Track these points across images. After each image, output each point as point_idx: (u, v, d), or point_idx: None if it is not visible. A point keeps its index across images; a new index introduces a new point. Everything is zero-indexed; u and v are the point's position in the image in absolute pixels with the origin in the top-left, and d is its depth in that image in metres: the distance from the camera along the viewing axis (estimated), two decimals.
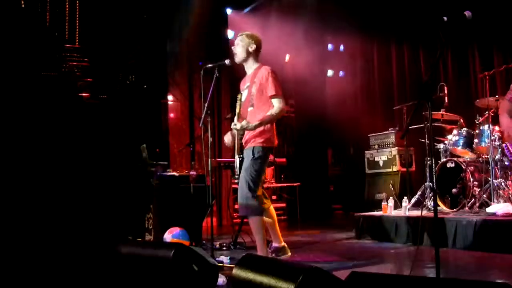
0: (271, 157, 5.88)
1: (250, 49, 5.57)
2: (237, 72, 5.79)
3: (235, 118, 5.41)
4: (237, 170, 5.52)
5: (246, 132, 5.44)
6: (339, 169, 14.49)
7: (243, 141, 5.49)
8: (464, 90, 10.42)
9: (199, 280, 3.76)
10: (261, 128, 5.30)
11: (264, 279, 2.79)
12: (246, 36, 5.61)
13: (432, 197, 7.40)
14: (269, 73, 5.39)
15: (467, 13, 3.76)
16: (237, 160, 5.51)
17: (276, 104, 5.32)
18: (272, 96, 5.33)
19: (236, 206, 10.26)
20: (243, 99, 5.57)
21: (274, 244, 5.56)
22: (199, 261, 3.80)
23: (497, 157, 6.91)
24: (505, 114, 5.11)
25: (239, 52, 5.61)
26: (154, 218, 7.28)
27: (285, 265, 2.98)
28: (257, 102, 5.42)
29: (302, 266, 2.77)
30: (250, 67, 5.63)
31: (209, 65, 5.81)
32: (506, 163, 6.87)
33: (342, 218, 12.32)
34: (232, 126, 5.37)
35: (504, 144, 5.19)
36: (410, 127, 7.98)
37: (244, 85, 5.67)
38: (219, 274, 4.31)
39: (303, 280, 2.58)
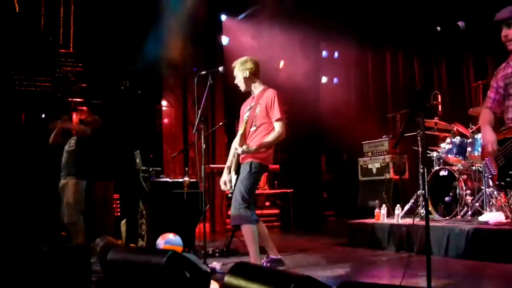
0: None
1: (246, 75, 5.62)
2: (232, 80, 5.81)
3: (238, 139, 5.46)
4: (232, 185, 5.55)
5: None
6: (333, 176, 14.50)
7: (241, 156, 5.51)
8: (458, 99, 10.46)
9: (191, 286, 3.76)
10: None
11: (256, 287, 2.79)
12: (239, 65, 5.68)
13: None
14: (275, 96, 5.46)
15: (461, 24, 3.77)
16: (233, 177, 5.55)
17: (277, 128, 5.40)
18: (277, 120, 5.39)
19: (229, 212, 10.28)
20: (244, 116, 5.64)
21: (271, 256, 5.58)
22: (192, 268, 3.80)
23: None
24: (487, 126, 4.67)
25: (240, 84, 5.72)
26: (147, 224, 7.28)
27: (277, 274, 2.98)
28: (260, 123, 5.49)
29: (293, 275, 2.77)
30: (256, 89, 5.71)
31: (203, 72, 5.83)
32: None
33: (335, 224, 12.32)
34: (235, 151, 5.49)
35: (484, 161, 4.87)
36: (403, 135, 8.04)
37: (248, 106, 5.72)
38: (212, 281, 4.31)
39: None
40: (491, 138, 4.41)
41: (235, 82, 5.74)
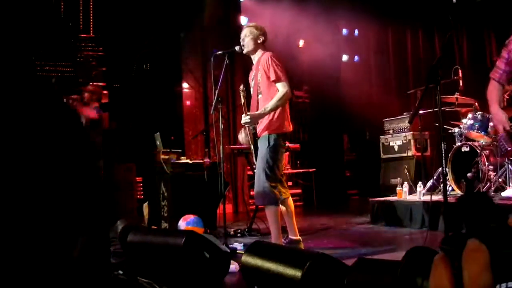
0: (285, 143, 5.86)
1: (259, 41, 5.52)
2: (250, 59, 5.76)
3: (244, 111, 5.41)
4: (255, 160, 5.51)
5: (258, 121, 5.41)
6: (355, 155, 14.44)
7: (257, 130, 5.45)
8: (479, 73, 10.33)
9: (210, 267, 3.77)
10: (271, 116, 5.28)
11: (272, 266, 2.79)
12: (255, 28, 5.56)
13: (447, 182, 7.34)
14: (269, 58, 5.32)
15: None
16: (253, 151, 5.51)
17: (280, 89, 5.25)
18: (275, 81, 5.27)
19: (251, 193, 10.29)
20: (251, 88, 5.57)
21: (290, 236, 5.52)
22: (211, 249, 3.81)
23: None
24: (496, 105, 4.43)
25: (249, 44, 5.55)
26: (169, 206, 7.32)
27: (293, 252, 2.98)
28: (264, 89, 5.36)
29: (309, 253, 2.77)
30: (257, 56, 5.59)
31: (219, 52, 5.80)
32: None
33: (358, 203, 12.27)
34: (243, 122, 5.35)
35: (498, 137, 4.59)
36: (425, 111, 7.98)
37: (252, 74, 5.64)
38: (232, 261, 4.32)
39: (310, 267, 2.58)
40: (501, 118, 4.27)
41: (242, 41, 5.60)
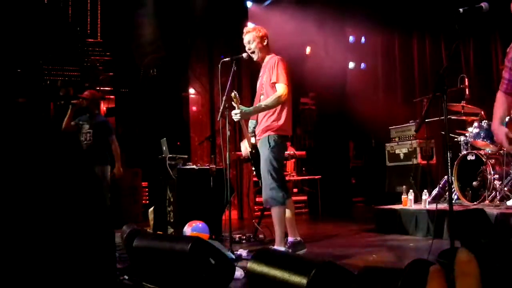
0: (291, 150, 5.87)
1: (264, 43, 5.58)
2: (257, 66, 5.81)
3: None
4: (253, 168, 5.54)
5: (258, 123, 5.45)
6: (361, 162, 14.43)
7: (256, 132, 5.49)
8: (486, 82, 10.33)
9: (216, 273, 3.77)
10: (272, 117, 5.32)
11: (278, 273, 2.80)
12: (256, 31, 5.61)
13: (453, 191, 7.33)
14: (276, 61, 5.39)
15: (484, 5, 3.72)
16: (248, 150, 5.55)
17: (278, 89, 5.30)
18: (275, 83, 5.32)
19: (257, 199, 10.31)
20: (257, 88, 5.62)
21: (290, 239, 5.53)
22: (216, 255, 3.81)
23: None
24: (496, 120, 4.10)
25: (256, 50, 5.61)
26: (175, 211, 7.33)
27: (299, 260, 2.98)
28: (267, 90, 5.43)
29: (315, 260, 2.77)
30: (265, 58, 5.65)
31: (227, 59, 5.82)
32: None
33: (364, 211, 12.25)
34: (234, 117, 5.35)
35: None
36: (431, 119, 7.97)
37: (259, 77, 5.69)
38: (237, 267, 4.33)
39: (316, 274, 2.59)
40: (501, 135, 4.05)
41: (249, 49, 5.65)
